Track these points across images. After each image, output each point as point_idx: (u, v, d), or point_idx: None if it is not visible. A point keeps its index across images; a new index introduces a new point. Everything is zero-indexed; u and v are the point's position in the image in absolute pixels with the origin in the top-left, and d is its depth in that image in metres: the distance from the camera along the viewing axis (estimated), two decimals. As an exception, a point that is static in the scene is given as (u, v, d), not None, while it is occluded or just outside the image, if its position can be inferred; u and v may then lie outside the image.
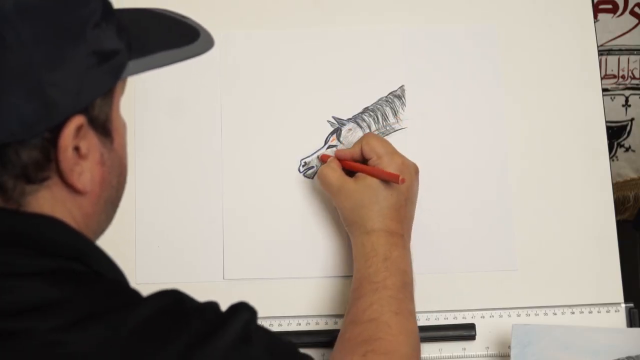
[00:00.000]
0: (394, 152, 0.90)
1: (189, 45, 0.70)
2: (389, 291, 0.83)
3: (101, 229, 0.69)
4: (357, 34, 1.02)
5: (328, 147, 0.99)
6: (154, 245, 0.96)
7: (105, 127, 0.64)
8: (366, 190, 0.88)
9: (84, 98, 0.60)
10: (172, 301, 0.61)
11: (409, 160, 0.90)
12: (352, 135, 0.99)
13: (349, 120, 0.99)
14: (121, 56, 0.63)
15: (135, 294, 0.62)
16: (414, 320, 0.83)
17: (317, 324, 0.94)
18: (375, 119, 0.99)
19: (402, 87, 1.00)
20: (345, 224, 0.91)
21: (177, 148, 0.99)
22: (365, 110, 1.00)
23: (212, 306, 0.63)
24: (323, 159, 0.96)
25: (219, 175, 0.98)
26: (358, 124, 0.99)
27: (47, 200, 0.61)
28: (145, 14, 0.73)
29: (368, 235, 0.87)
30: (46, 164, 0.60)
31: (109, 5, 0.64)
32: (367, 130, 0.99)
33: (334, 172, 0.91)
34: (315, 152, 0.98)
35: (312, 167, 0.98)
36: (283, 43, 1.01)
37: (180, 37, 0.70)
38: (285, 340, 0.67)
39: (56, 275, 0.59)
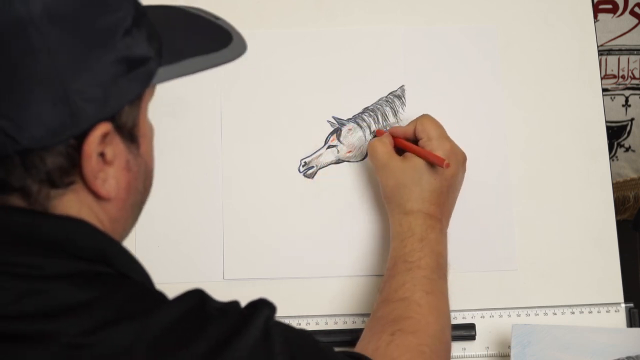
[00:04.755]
0: (445, 136, 0.90)
1: (221, 50, 0.68)
2: (422, 271, 0.83)
3: (127, 232, 0.69)
4: (357, 34, 1.02)
5: (328, 147, 0.99)
6: (154, 245, 0.96)
7: (132, 134, 0.63)
8: (410, 171, 0.88)
9: (111, 106, 0.59)
10: (195, 303, 0.61)
11: (459, 148, 0.90)
12: (352, 135, 0.99)
13: (349, 120, 0.99)
14: (151, 63, 0.62)
15: (160, 295, 0.62)
16: (446, 300, 0.84)
17: (317, 324, 0.94)
18: (375, 119, 0.99)
19: (402, 87, 1.00)
20: (385, 200, 0.91)
21: (177, 148, 0.99)
22: (365, 110, 1.00)
23: (234, 306, 0.63)
24: (378, 134, 0.96)
25: (219, 175, 0.98)
26: (358, 124, 0.99)
27: (74, 204, 0.61)
28: (177, 12, 0.72)
29: (406, 215, 0.87)
30: (71, 170, 0.59)
31: (141, 10, 0.63)
32: (367, 130, 0.99)
33: (384, 147, 0.91)
34: (315, 152, 0.98)
35: (312, 167, 0.98)
36: (283, 43, 1.01)
37: (212, 42, 0.69)
38: (301, 330, 0.67)
39: (83, 277, 0.59)
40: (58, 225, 0.60)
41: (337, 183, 0.98)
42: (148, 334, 0.57)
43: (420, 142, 0.90)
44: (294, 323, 0.94)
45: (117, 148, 0.62)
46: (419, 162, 0.88)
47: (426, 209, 0.87)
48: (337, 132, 0.99)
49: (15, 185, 0.58)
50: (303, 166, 0.98)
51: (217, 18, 0.72)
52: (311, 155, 0.99)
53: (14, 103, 0.56)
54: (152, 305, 0.59)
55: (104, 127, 0.59)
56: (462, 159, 0.90)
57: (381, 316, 0.81)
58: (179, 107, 1.00)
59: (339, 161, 0.99)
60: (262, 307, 0.63)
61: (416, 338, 0.78)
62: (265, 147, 0.99)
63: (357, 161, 0.99)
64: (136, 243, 0.96)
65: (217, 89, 1.00)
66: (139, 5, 0.63)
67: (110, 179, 0.62)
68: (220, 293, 0.94)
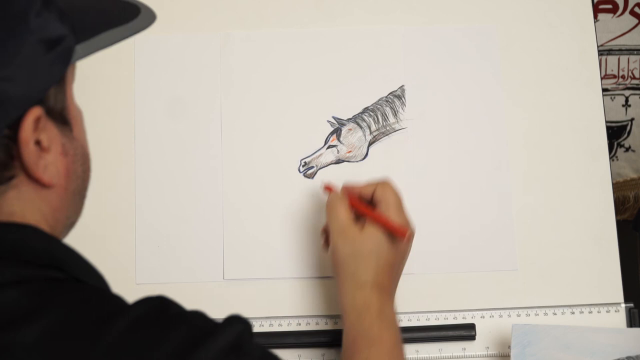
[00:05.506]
0: (402, 207, 0.86)
1: (131, 21, 0.69)
2: (384, 346, 0.80)
3: (71, 222, 0.68)
4: (357, 34, 1.02)
5: (328, 147, 0.99)
6: (154, 245, 0.96)
7: (63, 116, 0.63)
8: (369, 241, 0.84)
9: (38, 88, 0.60)
10: (156, 307, 0.59)
11: (411, 221, 0.87)
12: (352, 135, 0.99)
13: (349, 120, 0.99)
14: (68, 41, 0.62)
15: (117, 300, 0.60)
16: None
17: (317, 324, 0.94)
18: (375, 119, 0.99)
19: (402, 87, 1.00)
20: (335, 267, 0.86)
21: (177, 148, 0.99)
22: (365, 110, 1.00)
23: (199, 314, 0.61)
24: (327, 189, 0.90)
25: (219, 175, 0.98)
26: (358, 124, 0.99)
27: (16, 201, 0.60)
28: None
29: (360, 289, 0.83)
30: (10, 162, 0.59)
31: None
32: (367, 130, 0.99)
33: (345, 211, 0.86)
34: (315, 152, 0.98)
35: (312, 167, 0.98)
36: (283, 43, 1.01)
37: (122, 15, 0.69)
38: (279, 358, 0.64)
39: (35, 284, 0.58)
40: (7, 232, 0.59)
41: (337, 183, 0.98)
42: (106, 340, 0.55)
43: (378, 207, 0.85)
44: (293, 323, 0.94)
45: (51, 133, 0.61)
46: (378, 233, 0.84)
47: (380, 282, 0.83)
48: (337, 132, 0.99)
49: None
50: (303, 166, 0.98)
51: None
52: (311, 155, 0.99)
53: None
54: (109, 310, 0.58)
55: (35, 112, 0.59)
56: (413, 233, 0.86)
57: None
58: (179, 107, 1.00)
59: (339, 161, 0.99)
60: (235, 322, 0.61)
61: None
62: (265, 147, 0.99)
63: (357, 161, 0.99)
64: (136, 243, 0.96)
65: (217, 88, 1.00)
66: None
67: (49, 165, 0.61)
68: (220, 293, 0.95)
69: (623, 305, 0.95)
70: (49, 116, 0.61)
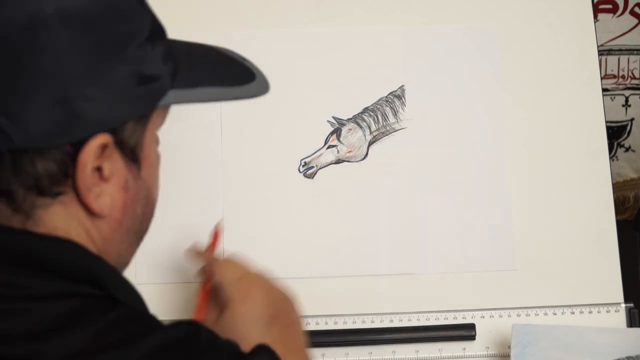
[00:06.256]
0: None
1: (238, 86, 0.68)
2: None
3: (124, 260, 0.66)
4: (357, 34, 1.02)
5: (328, 147, 0.99)
6: (154, 246, 0.96)
7: (134, 153, 0.61)
8: None
9: (113, 118, 0.58)
10: (185, 334, 0.58)
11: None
12: (352, 135, 0.99)
13: (349, 120, 0.99)
14: (161, 83, 0.61)
15: (148, 322, 0.59)
16: None
17: (317, 324, 0.94)
18: (375, 119, 0.99)
19: (402, 87, 1.00)
20: None
21: (178, 148, 0.99)
22: (365, 110, 1.00)
23: (230, 344, 0.60)
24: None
25: (218, 175, 0.98)
26: (358, 124, 0.99)
27: (61, 216, 0.59)
28: (204, 49, 0.70)
29: None
30: (62, 179, 0.57)
31: (160, 28, 0.62)
32: (367, 130, 0.99)
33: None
34: (315, 152, 0.98)
35: (312, 167, 0.98)
36: (283, 43, 1.01)
37: (232, 76, 0.68)
38: None
39: (69, 299, 0.57)
40: (47, 246, 0.58)
41: (337, 183, 0.98)
42: None
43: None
44: (294, 323, 0.94)
45: (116, 165, 0.59)
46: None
47: None
48: (337, 132, 0.99)
49: (1, 188, 0.57)
50: (303, 166, 0.98)
51: (245, 60, 0.71)
52: (311, 155, 0.99)
53: (14, 100, 0.54)
54: (137, 333, 0.57)
55: (102, 138, 0.57)
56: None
57: None
58: (179, 107, 0.99)
59: (339, 161, 0.99)
60: (263, 353, 0.60)
61: None
62: (265, 147, 0.99)
63: (357, 161, 0.99)
64: (136, 243, 0.96)
65: (217, 89, 1.00)
66: (157, 24, 0.62)
67: (105, 195, 0.59)
68: (220, 293, 0.95)
69: (623, 305, 0.95)
70: (118, 147, 0.59)
